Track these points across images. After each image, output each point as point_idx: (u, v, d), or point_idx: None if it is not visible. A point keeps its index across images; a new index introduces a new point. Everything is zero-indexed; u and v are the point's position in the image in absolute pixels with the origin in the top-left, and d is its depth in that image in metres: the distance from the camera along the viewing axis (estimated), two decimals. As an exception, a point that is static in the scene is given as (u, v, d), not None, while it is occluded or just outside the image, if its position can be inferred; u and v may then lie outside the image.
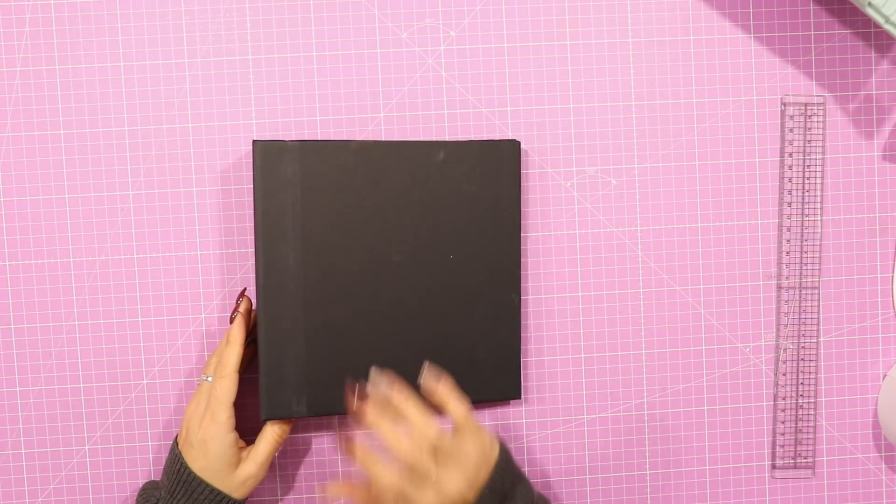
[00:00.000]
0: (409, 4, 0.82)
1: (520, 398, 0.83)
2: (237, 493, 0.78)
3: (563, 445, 0.85)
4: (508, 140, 0.81)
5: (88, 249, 0.82)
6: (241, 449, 0.79)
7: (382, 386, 0.77)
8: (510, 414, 0.85)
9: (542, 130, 0.83)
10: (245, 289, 0.81)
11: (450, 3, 0.83)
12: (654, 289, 0.85)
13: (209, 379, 0.78)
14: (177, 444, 0.78)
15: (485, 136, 0.83)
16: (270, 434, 0.79)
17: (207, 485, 0.76)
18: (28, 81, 0.81)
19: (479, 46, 0.83)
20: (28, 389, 0.83)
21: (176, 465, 0.77)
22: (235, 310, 0.79)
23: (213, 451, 0.77)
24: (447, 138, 0.83)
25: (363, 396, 0.80)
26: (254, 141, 0.78)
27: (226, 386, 0.77)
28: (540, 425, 0.85)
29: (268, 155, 0.78)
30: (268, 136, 0.82)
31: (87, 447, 0.83)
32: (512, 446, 0.85)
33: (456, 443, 0.73)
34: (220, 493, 0.77)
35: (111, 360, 0.83)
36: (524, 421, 0.85)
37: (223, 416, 0.76)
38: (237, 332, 0.78)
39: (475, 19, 0.83)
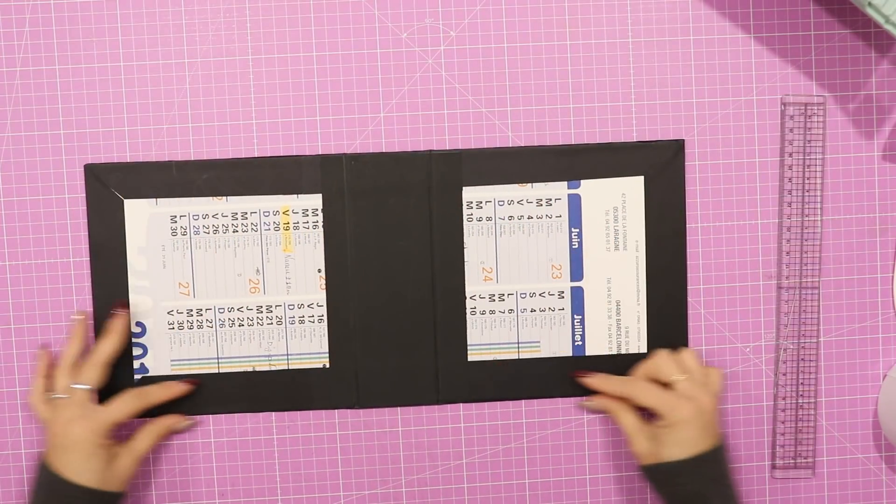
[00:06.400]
0: (409, 4, 0.82)
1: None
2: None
3: (563, 445, 0.85)
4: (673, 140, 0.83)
5: (89, 249, 0.82)
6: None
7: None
8: (510, 414, 0.85)
9: (542, 130, 0.83)
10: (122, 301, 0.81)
11: (450, 3, 0.83)
12: (654, 289, 0.85)
13: (79, 387, 0.77)
14: (46, 464, 0.76)
15: (484, 136, 0.83)
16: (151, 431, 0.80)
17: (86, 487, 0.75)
18: (28, 81, 0.81)
19: (479, 46, 0.83)
20: (28, 389, 0.83)
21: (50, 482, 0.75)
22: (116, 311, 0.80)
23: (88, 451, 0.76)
24: (447, 138, 0.83)
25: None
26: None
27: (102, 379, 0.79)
28: (540, 425, 0.85)
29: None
30: (268, 134, 0.82)
31: (86, 447, 0.83)
32: (511, 446, 0.85)
33: (704, 387, 0.79)
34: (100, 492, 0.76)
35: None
36: (524, 421, 0.85)
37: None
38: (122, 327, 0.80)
39: (475, 19, 0.83)
